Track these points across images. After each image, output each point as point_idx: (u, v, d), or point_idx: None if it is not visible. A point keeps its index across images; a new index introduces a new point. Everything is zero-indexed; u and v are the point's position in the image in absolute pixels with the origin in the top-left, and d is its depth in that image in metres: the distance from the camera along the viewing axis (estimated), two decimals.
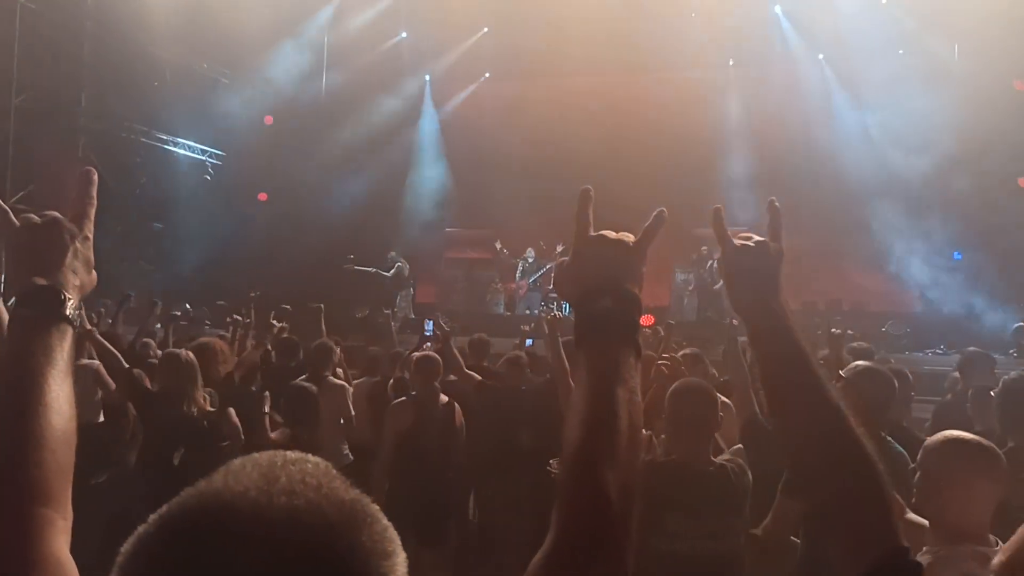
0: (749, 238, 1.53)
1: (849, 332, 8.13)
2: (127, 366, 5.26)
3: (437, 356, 5.94)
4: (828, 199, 16.00)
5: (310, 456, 0.75)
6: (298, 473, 0.72)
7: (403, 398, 5.84)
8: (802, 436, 1.40)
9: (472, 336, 7.76)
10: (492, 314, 16.78)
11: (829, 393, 1.38)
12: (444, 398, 5.79)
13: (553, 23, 17.30)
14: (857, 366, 3.81)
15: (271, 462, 0.73)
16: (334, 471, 0.74)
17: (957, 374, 6.52)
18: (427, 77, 20.69)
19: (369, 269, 16.31)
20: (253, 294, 9.45)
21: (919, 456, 2.78)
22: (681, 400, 3.53)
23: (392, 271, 16.34)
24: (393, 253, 16.60)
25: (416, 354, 6.18)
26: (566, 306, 16.44)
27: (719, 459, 3.56)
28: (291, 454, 0.75)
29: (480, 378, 6.33)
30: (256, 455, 0.74)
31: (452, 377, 6.31)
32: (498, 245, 17.64)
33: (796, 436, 1.42)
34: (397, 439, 5.54)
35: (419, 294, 18.92)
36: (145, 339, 7.20)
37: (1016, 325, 12.26)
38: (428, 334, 10.68)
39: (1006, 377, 4.65)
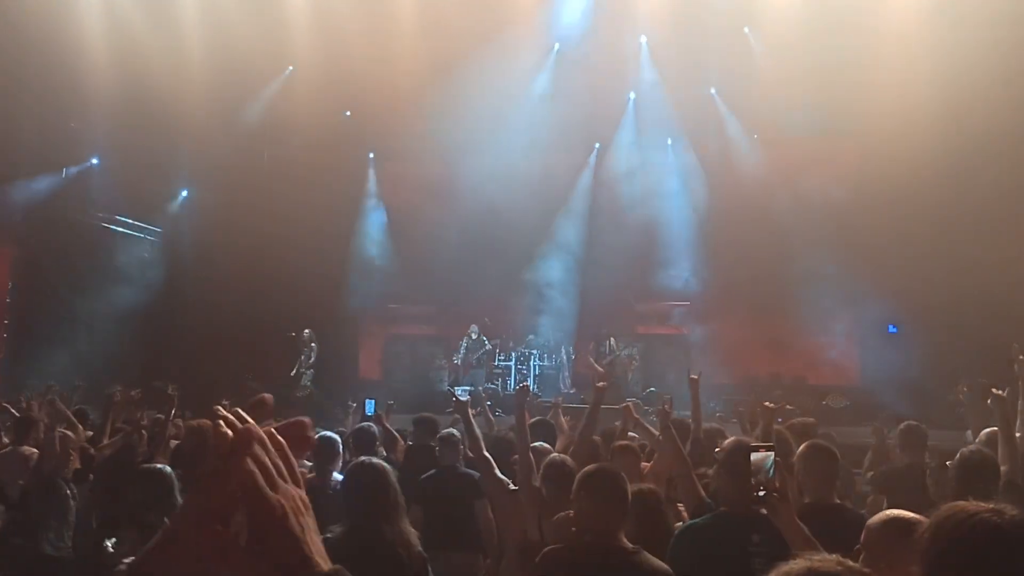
0: None
1: (789, 407, 8.20)
2: None
3: (336, 438, 5.98)
4: (765, 272, 16.25)
5: None
6: None
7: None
8: None
9: (419, 415, 7.83)
10: (436, 391, 16.58)
11: None
12: (338, 478, 5.62)
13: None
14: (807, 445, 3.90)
15: None
16: None
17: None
18: (371, 155, 20.73)
19: (306, 373, 16.19)
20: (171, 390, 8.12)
21: (862, 536, 2.76)
22: (593, 484, 3.52)
23: (311, 356, 16.22)
24: (308, 331, 16.56)
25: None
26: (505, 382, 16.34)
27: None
28: None
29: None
30: None
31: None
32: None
33: None
34: None
35: (363, 370, 18.69)
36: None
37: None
38: (369, 414, 10.46)
39: (963, 449, 4.82)
